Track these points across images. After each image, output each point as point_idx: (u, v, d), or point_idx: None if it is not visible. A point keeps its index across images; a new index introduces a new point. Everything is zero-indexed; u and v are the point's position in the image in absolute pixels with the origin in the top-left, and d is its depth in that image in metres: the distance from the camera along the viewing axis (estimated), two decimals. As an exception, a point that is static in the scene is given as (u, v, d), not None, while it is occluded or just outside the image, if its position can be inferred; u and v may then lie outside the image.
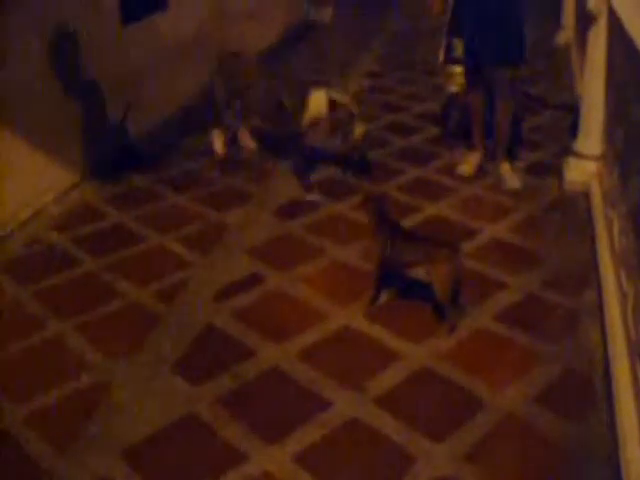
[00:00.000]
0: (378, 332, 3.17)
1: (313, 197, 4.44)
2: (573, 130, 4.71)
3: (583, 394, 2.81)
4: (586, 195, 4.33)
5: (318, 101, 4.39)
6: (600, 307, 3.26)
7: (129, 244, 3.95)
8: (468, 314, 3.25)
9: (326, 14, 9.58)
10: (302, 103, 4.41)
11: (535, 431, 2.63)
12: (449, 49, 4.79)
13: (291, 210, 4.33)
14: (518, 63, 4.45)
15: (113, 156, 5.01)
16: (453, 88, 5.13)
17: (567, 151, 4.63)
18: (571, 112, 5.18)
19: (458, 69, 4.85)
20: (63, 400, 2.83)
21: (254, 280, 3.59)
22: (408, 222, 4.00)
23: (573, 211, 4.24)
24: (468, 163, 4.74)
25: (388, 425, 2.65)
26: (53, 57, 4.36)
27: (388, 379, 2.89)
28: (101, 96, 4.89)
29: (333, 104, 4.37)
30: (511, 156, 4.75)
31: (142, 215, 4.29)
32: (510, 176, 4.58)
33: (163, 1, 5.76)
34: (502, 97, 4.48)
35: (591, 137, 4.46)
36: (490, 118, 4.64)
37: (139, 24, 5.36)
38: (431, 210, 4.28)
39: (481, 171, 4.72)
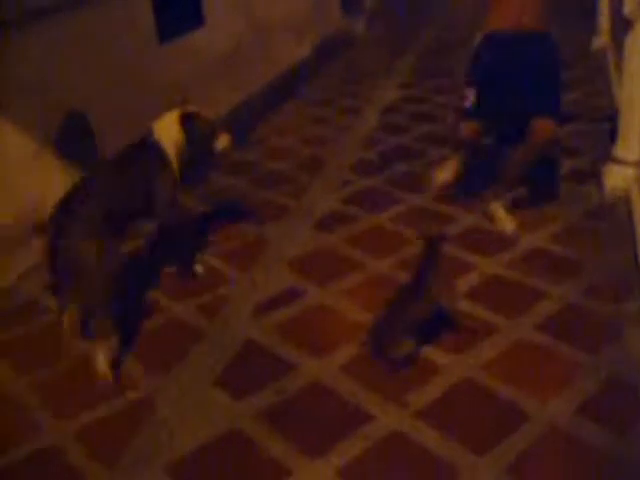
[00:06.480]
0: (418, 344, 3.17)
1: None
2: (612, 136, 4.65)
3: (628, 405, 2.77)
4: (627, 201, 4.27)
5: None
6: (643, 315, 3.22)
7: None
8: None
9: (359, 25, 9.62)
10: None
11: (579, 443, 2.60)
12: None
13: (330, 222, 4.35)
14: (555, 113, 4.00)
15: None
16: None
17: (607, 157, 4.58)
18: (610, 121, 5.10)
19: None
20: (110, 416, 2.88)
21: (294, 294, 3.62)
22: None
23: (614, 218, 4.19)
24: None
25: (431, 438, 2.65)
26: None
27: (430, 391, 2.88)
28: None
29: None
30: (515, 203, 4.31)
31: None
32: (505, 217, 4.16)
33: (199, 17, 5.85)
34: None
35: (630, 142, 4.40)
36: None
37: (176, 42, 5.44)
38: (469, 220, 4.28)
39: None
